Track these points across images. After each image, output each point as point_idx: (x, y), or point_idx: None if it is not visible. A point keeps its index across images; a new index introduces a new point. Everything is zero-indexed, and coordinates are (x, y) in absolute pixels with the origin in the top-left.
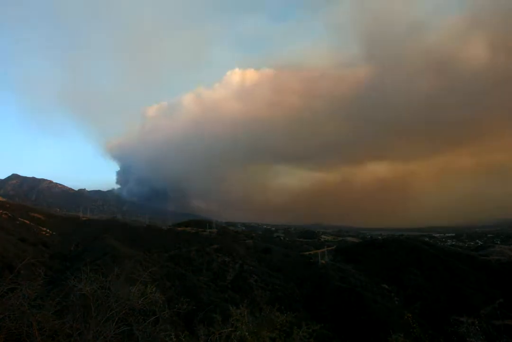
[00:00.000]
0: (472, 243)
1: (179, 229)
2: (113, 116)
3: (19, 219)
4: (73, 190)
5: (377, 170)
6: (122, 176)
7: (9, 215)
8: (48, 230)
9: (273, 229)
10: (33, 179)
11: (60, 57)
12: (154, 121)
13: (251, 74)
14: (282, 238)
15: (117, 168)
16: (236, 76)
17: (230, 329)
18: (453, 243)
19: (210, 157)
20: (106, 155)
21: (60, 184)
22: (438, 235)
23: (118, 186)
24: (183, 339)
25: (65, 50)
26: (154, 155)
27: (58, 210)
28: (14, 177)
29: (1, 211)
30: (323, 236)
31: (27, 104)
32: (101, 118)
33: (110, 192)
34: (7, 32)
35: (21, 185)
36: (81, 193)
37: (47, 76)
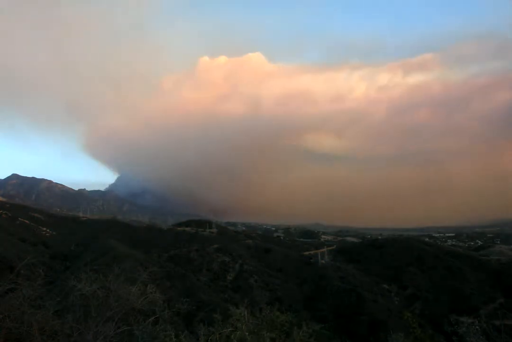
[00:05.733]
0: (472, 243)
1: (179, 229)
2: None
3: (19, 219)
4: (73, 190)
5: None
6: (122, 177)
7: (9, 215)
8: (48, 230)
9: (273, 229)
10: (33, 179)
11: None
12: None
13: None
14: (282, 238)
15: (116, 168)
16: None
17: (230, 329)
18: (453, 243)
19: (210, 156)
20: (106, 155)
21: (60, 184)
22: (438, 235)
23: (117, 187)
24: (183, 339)
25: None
26: (154, 155)
27: (58, 210)
28: (14, 177)
29: (1, 211)
30: (323, 236)
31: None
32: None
33: (110, 192)
34: None
35: (21, 185)
36: (81, 193)
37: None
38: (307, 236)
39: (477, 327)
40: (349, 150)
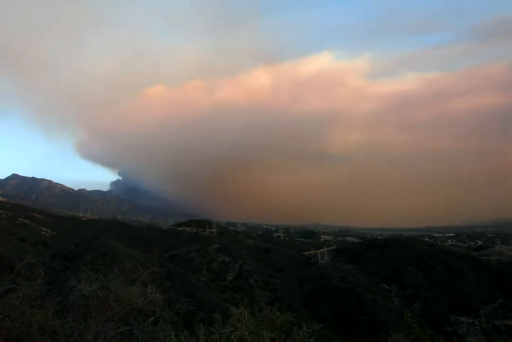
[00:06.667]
0: (472, 243)
1: (179, 229)
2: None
3: (19, 219)
4: (73, 190)
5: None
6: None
7: (9, 215)
8: (48, 230)
9: (273, 229)
10: (33, 179)
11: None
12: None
13: None
14: (282, 238)
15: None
16: None
17: (230, 329)
18: (453, 243)
19: (209, 156)
20: (106, 155)
21: (60, 184)
22: (438, 235)
23: (117, 186)
24: (183, 339)
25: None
26: (155, 155)
27: (58, 210)
28: (14, 177)
29: (1, 211)
30: (323, 236)
31: (29, 104)
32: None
33: (110, 192)
34: None
35: (21, 185)
36: (81, 193)
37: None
38: (307, 236)
39: (477, 327)
40: (351, 149)
